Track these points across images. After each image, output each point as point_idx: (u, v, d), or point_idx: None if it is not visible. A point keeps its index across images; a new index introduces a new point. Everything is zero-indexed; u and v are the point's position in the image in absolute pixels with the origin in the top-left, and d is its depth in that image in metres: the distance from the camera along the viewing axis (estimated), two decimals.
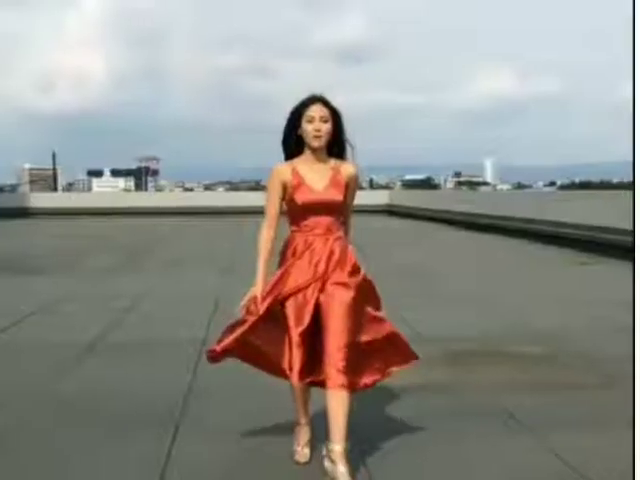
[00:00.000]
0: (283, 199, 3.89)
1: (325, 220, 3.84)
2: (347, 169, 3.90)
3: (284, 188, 3.87)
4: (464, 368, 5.83)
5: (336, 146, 3.90)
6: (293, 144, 3.89)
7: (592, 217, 17.72)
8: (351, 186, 3.91)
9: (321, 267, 3.78)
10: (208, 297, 9.52)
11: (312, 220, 3.85)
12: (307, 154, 3.87)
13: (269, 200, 3.91)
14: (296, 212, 3.89)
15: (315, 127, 3.79)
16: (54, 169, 73.75)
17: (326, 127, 3.80)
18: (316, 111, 3.80)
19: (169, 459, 3.95)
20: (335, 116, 3.84)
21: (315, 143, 3.81)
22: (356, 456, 3.82)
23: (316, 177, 3.85)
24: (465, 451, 4.06)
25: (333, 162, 3.90)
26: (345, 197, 3.88)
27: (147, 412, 4.79)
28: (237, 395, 5.15)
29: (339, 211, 3.90)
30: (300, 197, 3.83)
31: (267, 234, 3.91)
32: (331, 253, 3.80)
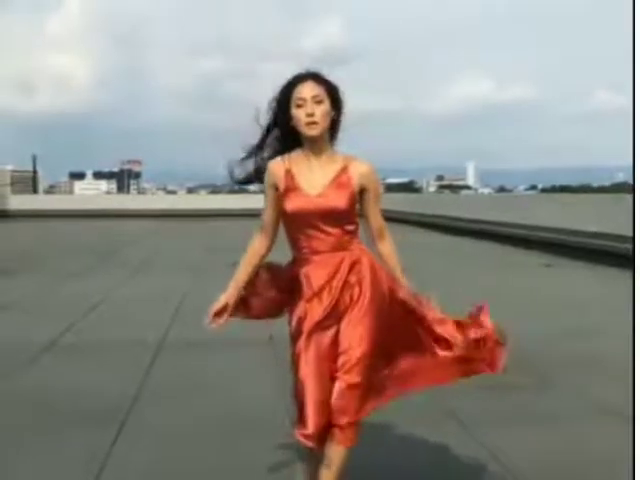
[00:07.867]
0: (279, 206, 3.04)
1: (330, 236, 2.97)
2: (358, 167, 2.99)
3: (277, 192, 3.02)
4: None
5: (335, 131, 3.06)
6: (284, 139, 3.07)
7: (564, 220, 17.93)
8: (369, 188, 3.01)
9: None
10: (172, 299, 9.58)
11: (311, 237, 2.98)
12: (305, 147, 3.01)
13: (264, 205, 3.09)
14: (289, 226, 3.04)
15: (307, 112, 2.93)
16: (34, 171, 73.58)
17: (321, 109, 2.94)
18: (306, 91, 2.94)
19: (108, 458, 4.03)
20: (333, 93, 2.99)
21: (310, 132, 2.94)
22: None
23: (314, 177, 2.98)
24: (404, 446, 4.20)
25: (341, 157, 3.02)
26: (353, 203, 2.99)
27: (93, 412, 4.86)
28: (188, 399, 5.20)
29: (348, 222, 3.00)
30: (290, 204, 2.97)
31: (257, 245, 3.13)
32: (346, 281, 2.98)
